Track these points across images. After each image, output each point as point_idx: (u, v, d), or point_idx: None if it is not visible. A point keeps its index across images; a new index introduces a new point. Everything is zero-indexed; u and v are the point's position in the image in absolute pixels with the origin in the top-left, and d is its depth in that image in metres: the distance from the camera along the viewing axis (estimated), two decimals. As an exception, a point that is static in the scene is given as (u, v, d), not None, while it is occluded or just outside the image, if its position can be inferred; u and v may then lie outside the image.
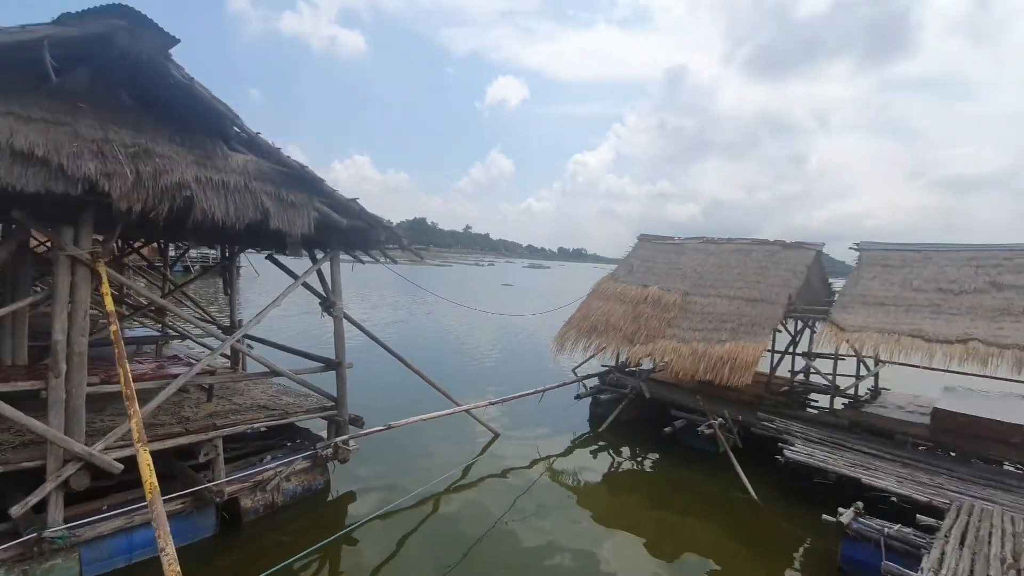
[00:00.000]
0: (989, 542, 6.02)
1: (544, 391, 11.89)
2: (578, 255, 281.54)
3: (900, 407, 11.84)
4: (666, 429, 10.72)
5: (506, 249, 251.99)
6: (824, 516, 6.88)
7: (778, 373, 13.18)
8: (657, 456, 10.81)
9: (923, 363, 9.55)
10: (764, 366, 12.29)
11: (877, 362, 13.05)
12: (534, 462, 10.02)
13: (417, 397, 11.21)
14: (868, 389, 13.86)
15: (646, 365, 13.37)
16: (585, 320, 13.28)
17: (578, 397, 12.89)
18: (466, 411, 9.86)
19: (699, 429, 10.39)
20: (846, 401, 12.67)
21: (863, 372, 12.67)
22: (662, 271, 14.01)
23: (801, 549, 7.55)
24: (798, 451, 9.02)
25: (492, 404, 10.42)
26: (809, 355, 12.81)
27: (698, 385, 11.68)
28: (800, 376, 13.68)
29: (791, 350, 13.36)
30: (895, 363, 11.49)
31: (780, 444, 9.37)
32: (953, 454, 9.65)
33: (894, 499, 7.73)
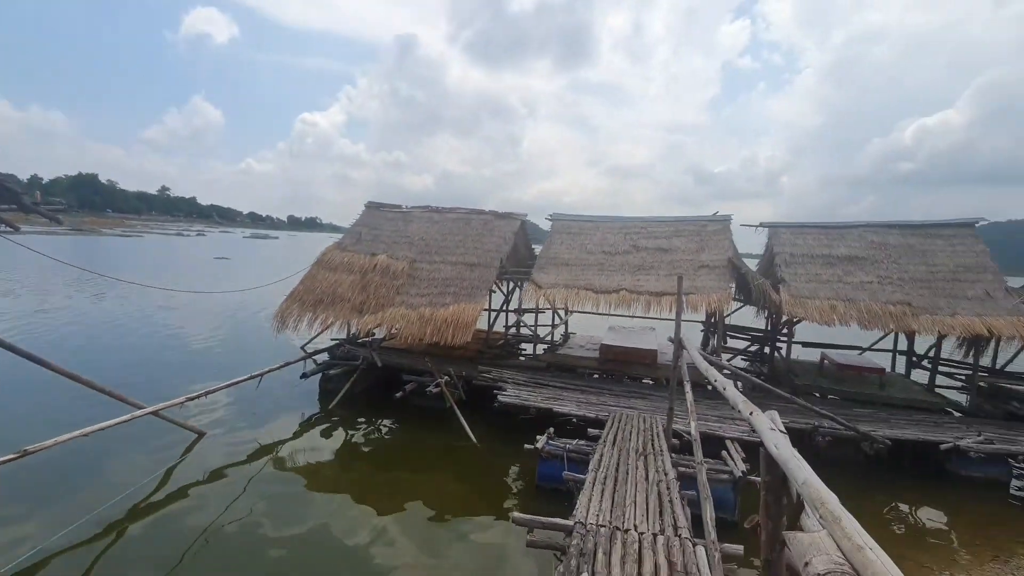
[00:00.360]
0: (630, 439, 8.10)
1: (262, 375, 10.72)
2: (311, 224, 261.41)
3: (582, 346, 14.82)
4: (397, 394, 11.01)
5: (221, 216, 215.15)
6: (526, 445, 8.15)
7: (496, 329, 14.89)
8: (390, 422, 11.03)
9: (595, 309, 12.08)
10: (484, 324, 13.71)
11: (566, 312, 15.92)
12: (254, 454, 9.03)
13: (90, 411, 8.78)
14: (561, 335, 16.91)
15: (380, 334, 13.40)
16: (310, 293, 12.44)
17: (304, 376, 12.08)
18: (154, 413, 8.13)
19: (428, 389, 11.00)
20: (546, 346, 15.19)
21: (557, 321, 15.39)
22: (390, 239, 14.08)
23: (510, 476, 8.82)
24: (508, 395, 10.42)
25: (192, 399, 8.84)
26: (519, 311, 14.84)
27: (427, 348, 12.30)
28: (512, 330, 15.77)
29: (504, 307, 15.23)
30: (578, 311, 14.26)
31: (495, 391, 10.65)
32: (613, 377, 12.60)
33: (575, 420, 9.69)
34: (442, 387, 10.87)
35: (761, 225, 13.42)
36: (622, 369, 12.63)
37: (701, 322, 15.66)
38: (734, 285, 11.75)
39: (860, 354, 14.21)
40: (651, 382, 12.57)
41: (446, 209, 15.35)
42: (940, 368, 12.74)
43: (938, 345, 12.35)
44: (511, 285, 15.21)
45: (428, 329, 11.25)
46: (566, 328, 17.32)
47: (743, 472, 7.18)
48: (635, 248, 13.06)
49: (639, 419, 9.20)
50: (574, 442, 8.09)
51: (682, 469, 7.06)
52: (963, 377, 12.67)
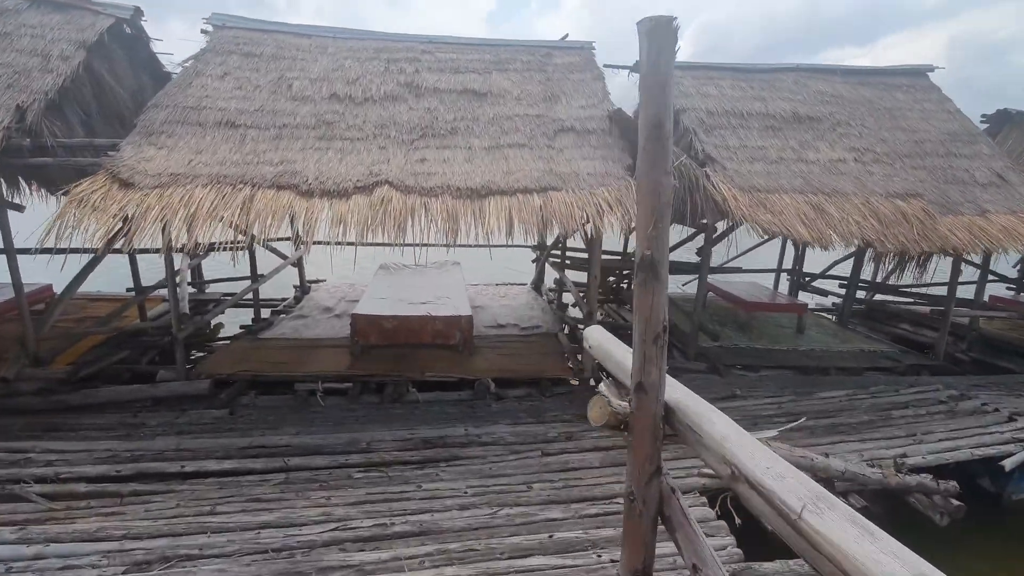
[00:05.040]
0: None
1: None
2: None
3: (325, 316, 7.16)
4: None
5: None
6: None
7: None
8: None
9: (307, 235, 4.51)
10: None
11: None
12: None
13: None
14: (293, 295, 8.87)
15: None
16: None
17: None
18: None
19: None
20: (246, 326, 7.10)
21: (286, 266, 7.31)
22: None
23: None
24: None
25: None
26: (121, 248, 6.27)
27: None
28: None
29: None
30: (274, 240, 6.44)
31: None
32: (387, 390, 5.45)
33: None
34: None
35: (635, 68, 7.12)
36: (400, 371, 5.60)
37: (532, 247, 9.41)
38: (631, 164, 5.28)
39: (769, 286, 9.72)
40: (463, 390, 5.84)
41: None
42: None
43: (875, 259, 8.19)
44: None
45: None
46: (301, 277, 9.31)
47: None
48: (411, 90, 5.57)
49: None
50: None
51: None
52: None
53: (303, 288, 9.25)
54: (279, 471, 4.07)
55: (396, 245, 3.97)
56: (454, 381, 5.70)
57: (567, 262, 7.96)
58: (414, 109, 5.29)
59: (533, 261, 9.72)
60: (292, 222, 4.35)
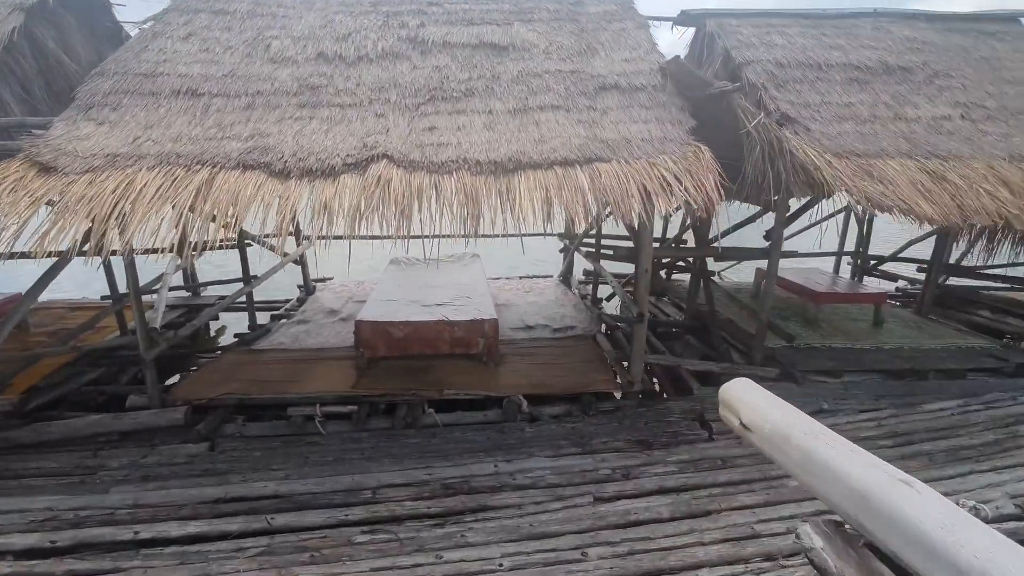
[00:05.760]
0: None
1: None
2: None
3: (331, 320, 6.28)
4: None
5: None
6: None
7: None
8: None
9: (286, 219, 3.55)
10: None
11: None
12: None
13: None
14: (297, 295, 8.03)
15: None
16: None
17: None
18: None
19: None
20: (242, 333, 6.22)
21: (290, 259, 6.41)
22: None
23: None
24: None
25: None
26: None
27: None
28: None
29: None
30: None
31: None
32: (397, 412, 4.53)
33: None
34: None
35: (681, 20, 5.93)
36: (414, 389, 4.66)
37: (558, 235, 8.36)
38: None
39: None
40: (490, 408, 4.85)
41: None
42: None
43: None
44: None
45: None
46: (304, 274, 8.42)
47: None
48: (415, 46, 4.53)
49: None
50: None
51: None
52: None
53: (307, 288, 8.36)
54: (260, 534, 3.16)
55: (397, 238, 2.98)
56: (479, 399, 4.74)
57: (603, 251, 6.88)
58: (419, 68, 4.25)
59: (561, 251, 8.68)
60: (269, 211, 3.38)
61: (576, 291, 7.89)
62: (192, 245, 3.11)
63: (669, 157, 3.55)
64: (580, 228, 6.00)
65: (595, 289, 7.69)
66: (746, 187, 4.30)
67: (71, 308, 7.03)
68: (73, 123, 3.48)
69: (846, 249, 8.88)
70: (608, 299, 8.43)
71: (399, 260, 7.97)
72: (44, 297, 5.88)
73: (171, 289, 7.55)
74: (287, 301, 8.12)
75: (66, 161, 3.10)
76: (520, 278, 9.09)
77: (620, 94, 4.22)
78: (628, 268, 6.79)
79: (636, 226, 3.75)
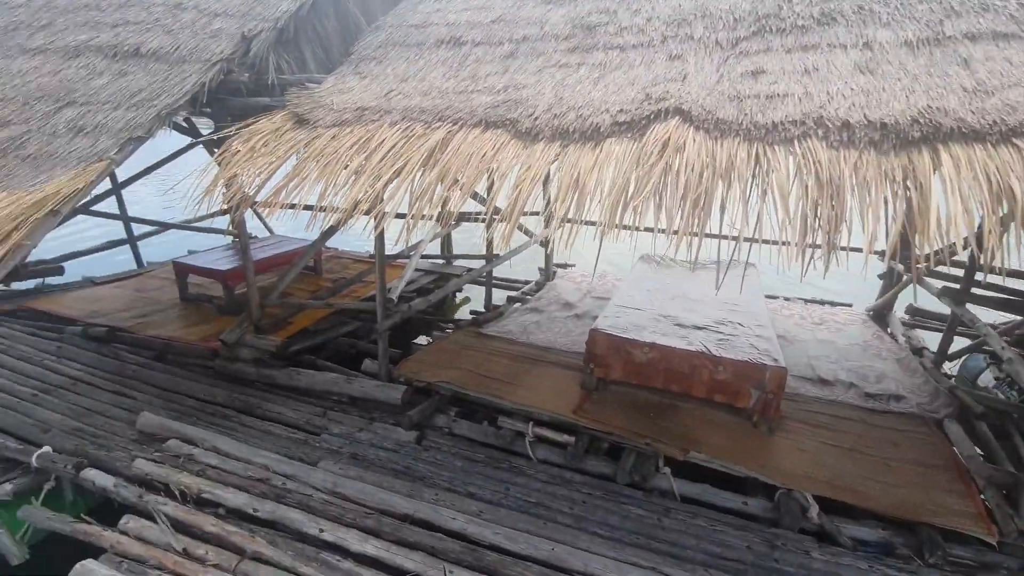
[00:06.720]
0: None
1: None
2: None
3: (565, 313, 5.55)
4: None
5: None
6: None
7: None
8: None
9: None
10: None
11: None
12: None
13: None
14: (537, 278, 7.58)
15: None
16: None
17: None
18: None
19: None
20: (474, 314, 6.04)
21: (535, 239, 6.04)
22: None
23: None
24: None
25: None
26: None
27: None
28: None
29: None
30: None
31: None
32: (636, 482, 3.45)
33: None
34: None
35: None
36: (651, 436, 3.49)
37: (878, 252, 5.88)
38: None
39: None
40: (755, 496, 3.33)
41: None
42: None
43: None
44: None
45: None
46: (547, 260, 7.91)
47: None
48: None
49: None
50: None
51: None
52: None
53: (547, 273, 7.85)
54: (432, 590, 2.50)
55: (688, 235, 1.80)
56: (739, 478, 3.32)
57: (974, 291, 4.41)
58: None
59: (881, 275, 6.18)
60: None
61: (903, 338, 5.43)
62: (447, 216, 2.53)
63: None
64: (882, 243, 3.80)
65: (947, 342, 4.97)
66: None
67: (354, 260, 7.94)
68: (341, 77, 3.31)
69: None
70: (951, 359, 5.62)
71: (651, 258, 6.75)
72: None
73: (426, 257, 7.90)
74: (527, 283, 7.76)
75: (320, 114, 2.87)
76: (806, 302, 6.87)
77: None
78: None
79: None
